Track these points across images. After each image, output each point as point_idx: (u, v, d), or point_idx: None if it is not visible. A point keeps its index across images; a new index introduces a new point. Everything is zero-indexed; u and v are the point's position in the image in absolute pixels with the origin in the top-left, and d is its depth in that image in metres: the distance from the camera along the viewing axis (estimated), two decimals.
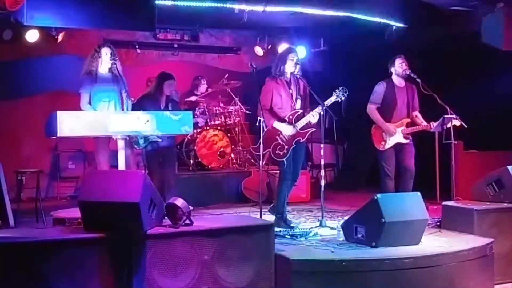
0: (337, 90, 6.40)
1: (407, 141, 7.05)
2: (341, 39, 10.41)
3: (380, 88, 7.13)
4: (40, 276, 4.00)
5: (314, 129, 6.53)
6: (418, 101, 7.22)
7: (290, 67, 6.47)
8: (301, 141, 6.48)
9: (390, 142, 7.02)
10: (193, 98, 9.83)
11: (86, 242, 4.20)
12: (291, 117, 6.44)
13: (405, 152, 7.05)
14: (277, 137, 6.40)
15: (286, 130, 6.38)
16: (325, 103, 6.35)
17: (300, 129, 6.41)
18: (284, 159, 6.40)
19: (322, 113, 6.35)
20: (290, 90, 6.50)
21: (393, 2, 8.27)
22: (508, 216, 5.78)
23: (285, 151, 6.39)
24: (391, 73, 7.18)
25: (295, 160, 6.54)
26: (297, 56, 6.55)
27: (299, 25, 9.92)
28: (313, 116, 6.38)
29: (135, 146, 7.23)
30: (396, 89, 7.13)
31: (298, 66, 6.51)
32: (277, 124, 6.37)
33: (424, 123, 7.05)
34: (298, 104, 6.53)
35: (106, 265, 4.20)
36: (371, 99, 7.16)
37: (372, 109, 7.12)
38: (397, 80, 7.15)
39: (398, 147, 7.06)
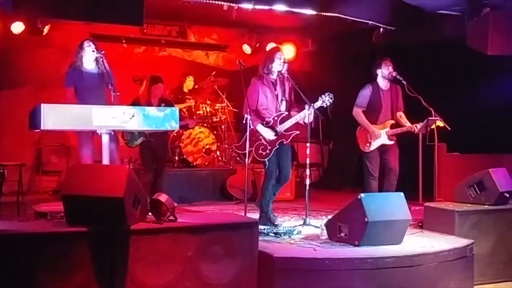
0: (323, 96, 6.40)
1: (392, 142, 7.12)
2: (329, 39, 10.45)
3: (366, 92, 7.20)
4: (21, 269, 3.98)
5: (298, 132, 6.55)
6: (403, 102, 7.28)
7: (277, 66, 6.47)
8: (285, 142, 6.48)
9: (375, 143, 7.09)
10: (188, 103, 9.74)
11: (69, 236, 4.17)
12: (276, 118, 6.46)
13: (390, 153, 7.14)
14: (260, 137, 6.41)
15: (267, 134, 6.40)
16: (309, 109, 6.33)
17: (284, 131, 6.43)
18: (266, 159, 6.44)
19: (310, 113, 6.36)
20: (276, 91, 6.50)
21: (380, 4, 8.30)
22: (488, 218, 5.85)
23: (267, 151, 6.41)
24: (376, 75, 7.22)
25: (282, 161, 6.55)
26: (284, 55, 6.57)
27: (288, 24, 9.94)
28: (305, 115, 6.39)
29: (129, 144, 7.27)
30: (381, 92, 7.20)
31: (285, 65, 6.51)
32: (260, 128, 6.38)
33: (408, 124, 7.12)
34: (283, 106, 6.54)
35: (88, 260, 4.18)
36: (357, 103, 7.23)
37: (358, 112, 7.20)
38: (382, 83, 7.22)
39: (382, 147, 7.14)
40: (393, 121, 7.20)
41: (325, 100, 6.38)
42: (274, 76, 6.51)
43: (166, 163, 7.95)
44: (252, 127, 6.35)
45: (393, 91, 7.25)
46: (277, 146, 6.43)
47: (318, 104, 6.38)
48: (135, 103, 7.33)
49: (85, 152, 6.45)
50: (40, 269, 4.04)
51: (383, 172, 7.18)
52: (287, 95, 6.56)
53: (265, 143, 6.41)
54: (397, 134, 7.15)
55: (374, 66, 7.27)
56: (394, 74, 7.09)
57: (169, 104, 7.39)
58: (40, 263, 4.04)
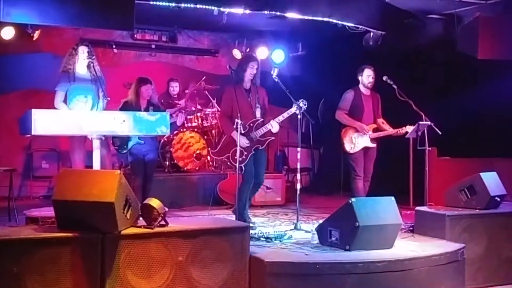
0: (297, 102, 6.52)
1: (373, 145, 7.35)
2: (319, 44, 10.47)
3: (348, 96, 7.43)
4: (12, 274, 3.97)
5: (273, 138, 6.83)
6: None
7: (249, 76, 6.64)
8: (260, 148, 6.68)
9: (359, 145, 7.29)
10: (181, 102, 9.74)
11: (60, 241, 4.16)
12: (251, 125, 6.64)
13: (368, 156, 7.41)
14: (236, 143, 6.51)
15: (241, 142, 6.49)
16: (282, 115, 6.58)
17: (259, 137, 6.62)
18: (242, 165, 6.57)
19: (299, 116, 6.51)
20: (249, 99, 6.67)
21: (370, 9, 8.33)
22: (479, 222, 5.86)
23: (244, 157, 6.58)
24: (358, 81, 7.41)
25: (256, 165, 6.73)
26: (257, 64, 6.69)
27: (278, 29, 9.95)
28: (282, 119, 6.56)
29: (119, 150, 7.24)
30: (363, 96, 7.43)
31: (257, 75, 6.67)
32: (235, 135, 6.49)
33: (391, 129, 7.28)
34: (258, 113, 6.72)
35: (79, 265, 4.17)
36: (340, 106, 7.46)
37: (341, 114, 7.43)
38: (363, 88, 7.45)
39: (364, 149, 7.37)
40: (375, 125, 7.40)
41: (300, 105, 6.52)
42: (246, 84, 6.68)
43: (155, 168, 7.92)
44: (225, 128, 6.47)
45: (374, 97, 7.50)
46: (253, 152, 6.63)
47: (292, 111, 6.58)
48: (123, 107, 7.28)
49: (77, 156, 6.43)
50: (31, 274, 4.02)
51: None
52: (261, 102, 6.73)
53: (241, 149, 6.51)
54: (378, 138, 7.36)
55: (357, 71, 7.46)
56: (372, 84, 7.33)
57: (157, 109, 7.36)
58: (31, 268, 4.03)
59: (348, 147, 7.33)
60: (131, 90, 7.45)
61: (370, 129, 7.31)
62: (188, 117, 9.62)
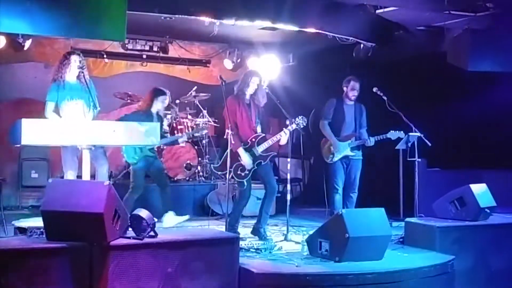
0: (296, 119, 6.55)
1: (353, 154, 7.34)
2: (310, 55, 10.50)
3: (330, 104, 7.51)
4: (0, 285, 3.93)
5: (275, 153, 6.80)
6: (369, 119, 7.49)
7: (251, 91, 6.64)
8: (263, 163, 6.59)
9: (338, 155, 7.28)
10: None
11: (48, 252, 4.13)
12: (253, 140, 6.60)
13: (352, 167, 7.39)
14: (239, 157, 6.49)
15: (247, 162, 6.47)
16: (285, 131, 6.52)
17: (262, 152, 6.55)
18: (244, 180, 6.52)
19: (291, 129, 6.52)
20: (250, 113, 6.65)
21: (361, 21, 8.36)
22: (469, 233, 5.88)
23: (246, 172, 6.53)
24: (343, 90, 7.44)
25: (265, 175, 6.67)
26: (259, 80, 6.68)
27: (269, 40, 9.97)
28: (285, 134, 6.51)
29: (128, 161, 7.18)
30: (345, 105, 7.46)
31: (259, 90, 6.64)
32: (241, 151, 6.47)
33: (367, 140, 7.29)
34: (259, 128, 6.70)
35: (68, 276, 4.14)
36: (323, 115, 7.52)
37: (323, 124, 7.47)
38: (346, 99, 7.47)
39: (346, 161, 7.35)
40: (356, 134, 7.39)
41: (299, 123, 6.55)
42: (247, 99, 6.67)
43: (146, 177, 7.81)
44: (233, 142, 6.37)
45: (357, 107, 7.50)
46: (255, 167, 6.55)
47: (292, 127, 6.55)
48: (135, 115, 7.20)
49: (69, 168, 6.37)
50: (19, 285, 3.98)
51: (344, 185, 7.39)
52: (261, 118, 6.72)
53: (244, 164, 6.45)
54: (359, 147, 7.39)
55: (343, 81, 7.50)
56: (354, 97, 7.38)
57: (160, 120, 7.36)
58: (19, 280, 3.99)
59: (327, 156, 7.38)
60: (145, 99, 7.40)
61: (350, 139, 7.31)
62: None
